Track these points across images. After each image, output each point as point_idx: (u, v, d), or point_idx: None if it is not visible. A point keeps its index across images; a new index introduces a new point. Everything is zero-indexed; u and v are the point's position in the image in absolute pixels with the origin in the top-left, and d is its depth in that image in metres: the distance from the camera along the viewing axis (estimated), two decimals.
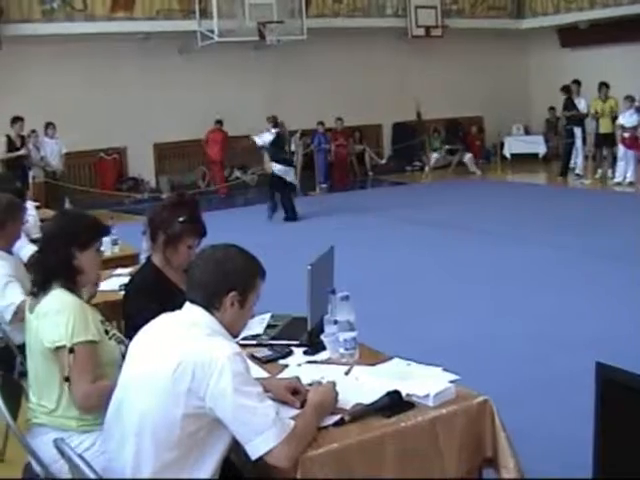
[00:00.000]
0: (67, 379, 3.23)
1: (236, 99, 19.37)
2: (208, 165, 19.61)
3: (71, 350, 3.25)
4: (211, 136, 19.20)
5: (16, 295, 4.80)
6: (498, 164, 20.96)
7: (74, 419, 3.39)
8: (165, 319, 3.03)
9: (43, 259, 3.52)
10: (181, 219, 4.09)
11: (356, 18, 21.12)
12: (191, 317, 2.91)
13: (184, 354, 2.74)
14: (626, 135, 16.86)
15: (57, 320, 3.34)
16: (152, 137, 19.08)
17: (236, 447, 2.85)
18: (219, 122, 19.14)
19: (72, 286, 3.48)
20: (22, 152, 15.27)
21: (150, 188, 18.97)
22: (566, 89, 18.68)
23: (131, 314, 3.88)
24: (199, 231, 4.18)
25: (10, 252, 5.30)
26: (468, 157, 21.19)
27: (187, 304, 2.97)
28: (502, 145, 22.03)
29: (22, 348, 4.95)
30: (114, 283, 5.37)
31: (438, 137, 22.57)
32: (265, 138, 15.02)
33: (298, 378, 3.27)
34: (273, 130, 15.00)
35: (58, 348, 3.31)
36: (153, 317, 3.06)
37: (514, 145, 22.28)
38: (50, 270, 3.46)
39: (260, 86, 20.18)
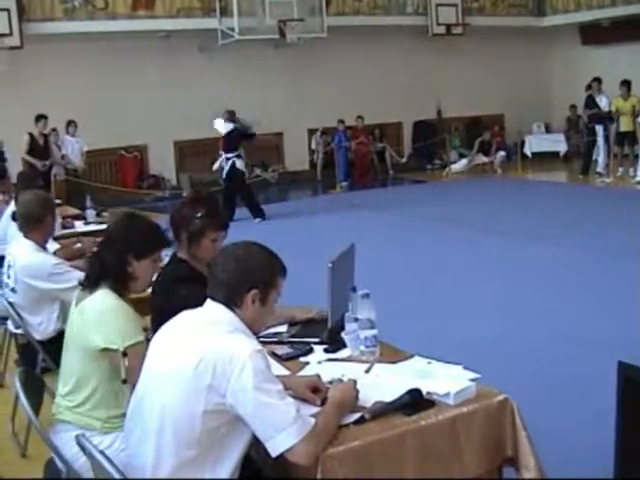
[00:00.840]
0: (125, 381, 3.27)
1: (257, 97, 19.39)
2: None
3: (124, 354, 3.30)
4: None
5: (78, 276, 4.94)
6: (519, 162, 20.86)
7: (99, 420, 3.43)
8: (186, 316, 3.04)
9: (102, 256, 3.57)
10: (199, 214, 4.12)
11: (376, 16, 21.10)
12: (212, 314, 2.92)
13: (205, 351, 2.75)
14: None
15: (106, 323, 3.40)
16: (173, 135, 19.15)
17: (256, 444, 2.85)
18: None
19: (121, 289, 3.52)
20: (38, 165, 15.15)
21: (171, 186, 19.04)
22: (589, 87, 18.62)
23: (168, 307, 3.86)
24: (219, 224, 4.20)
25: (44, 248, 5.41)
26: (500, 155, 21.05)
27: (208, 301, 2.98)
28: (523, 143, 21.93)
29: (44, 344, 5.06)
30: None
31: (458, 135, 22.55)
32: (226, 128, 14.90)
33: (319, 376, 3.28)
34: (231, 125, 14.85)
35: (106, 349, 3.36)
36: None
37: (535, 143, 22.21)
38: (105, 268, 3.51)
39: (280, 84, 20.22)
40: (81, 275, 4.87)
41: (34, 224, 5.28)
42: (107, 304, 3.45)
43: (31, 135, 15.38)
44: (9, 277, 5.35)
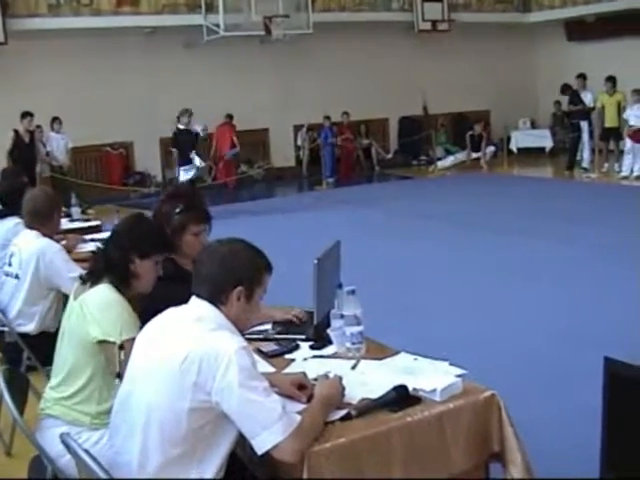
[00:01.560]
0: (119, 375, 3.24)
1: (243, 93, 19.41)
2: (219, 159, 19.53)
3: (121, 347, 3.30)
4: (221, 129, 19.18)
5: (80, 270, 5.03)
6: (505, 158, 20.92)
7: (88, 415, 3.44)
8: (171, 313, 3.03)
9: (107, 252, 3.62)
10: (178, 209, 4.11)
11: (362, 12, 21.07)
12: (197, 311, 2.91)
13: (190, 348, 2.74)
14: (633, 128, 16.83)
15: (105, 315, 3.42)
16: (158, 131, 19.05)
17: (242, 442, 2.84)
18: (229, 116, 19.14)
19: (123, 286, 3.55)
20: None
21: (157, 182, 18.97)
22: (564, 88, 18.75)
23: (152, 305, 3.85)
24: (200, 217, 4.19)
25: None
26: (490, 150, 21.10)
27: (193, 298, 2.97)
28: (509, 139, 21.99)
29: (29, 341, 5.07)
30: None
31: (444, 131, 22.59)
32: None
33: (304, 373, 3.27)
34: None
35: (103, 342, 3.38)
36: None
37: (521, 139, 22.29)
38: (109, 264, 3.55)
39: (266, 80, 20.20)
40: (80, 269, 5.03)
41: (41, 220, 5.41)
42: (108, 297, 3.49)
43: (16, 132, 15.34)
44: (10, 265, 5.40)
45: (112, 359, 3.32)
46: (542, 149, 22.09)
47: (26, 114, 15.35)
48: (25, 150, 15.28)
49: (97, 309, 3.45)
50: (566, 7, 22.00)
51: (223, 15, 18.36)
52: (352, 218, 13.71)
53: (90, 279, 3.57)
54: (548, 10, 22.66)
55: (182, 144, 15.12)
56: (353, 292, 3.62)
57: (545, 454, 3.79)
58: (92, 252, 3.89)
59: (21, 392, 3.52)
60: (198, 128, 15.18)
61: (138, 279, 3.59)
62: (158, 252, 3.65)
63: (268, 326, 4.11)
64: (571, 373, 5.87)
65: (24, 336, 5.12)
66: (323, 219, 13.61)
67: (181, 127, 15.01)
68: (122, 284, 3.55)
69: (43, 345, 5.03)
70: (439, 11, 21.96)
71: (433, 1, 21.84)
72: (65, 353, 3.53)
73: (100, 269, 3.58)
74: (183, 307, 2.99)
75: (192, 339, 2.79)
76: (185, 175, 14.72)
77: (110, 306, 3.46)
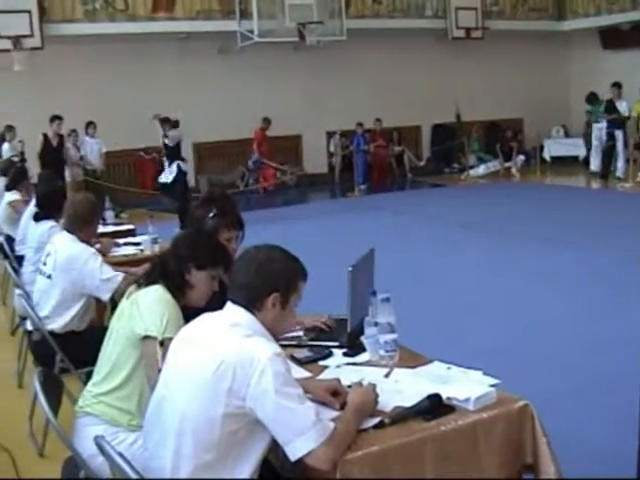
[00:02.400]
0: (159, 371, 3.25)
1: (276, 99, 19.47)
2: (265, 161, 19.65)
3: (161, 343, 3.33)
4: (256, 134, 19.27)
5: (114, 272, 5.27)
6: (537, 167, 20.82)
7: (127, 413, 3.47)
8: (207, 318, 3.04)
9: (164, 259, 3.68)
10: (212, 214, 4.13)
11: (396, 19, 21.08)
12: (233, 317, 2.91)
13: (225, 354, 2.74)
14: None
15: (154, 311, 3.47)
16: (191, 136, 19.11)
17: (274, 447, 2.84)
18: (266, 120, 19.22)
19: (177, 294, 3.59)
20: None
21: (190, 187, 19.03)
22: (590, 97, 18.67)
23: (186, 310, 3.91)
24: (232, 223, 4.21)
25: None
26: (520, 159, 21.05)
27: (229, 304, 2.97)
28: (542, 148, 21.87)
29: (60, 340, 5.12)
30: None
31: (477, 139, 22.51)
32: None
33: (338, 380, 3.26)
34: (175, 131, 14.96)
35: (147, 337, 3.42)
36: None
37: (554, 148, 22.16)
38: (165, 271, 3.61)
39: (299, 87, 20.25)
40: (116, 272, 5.14)
41: (80, 225, 5.50)
42: (160, 296, 3.54)
43: (45, 136, 15.46)
44: (45, 264, 5.48)
45: (152, 355, 3.34)
46: (575, 158, 21.92)
47: (55, 118, 15.47)
48: (53, 154, 15.38)
49: (145, 306, 3.51)
50: (601, 15, 21.86)
51: (257, 21, 18.42)
52: (384, 225, 13.71)
53: (145, 283, 3.62)
54: (583, 18, 22.52)
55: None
56: (387, 300, 3.61)
57: (579, 465, 3.77)
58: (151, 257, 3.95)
59: (55, 394, 3.54)
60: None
61: (192, 289, 3.63)
62: (215, 265, 3.66)
63: (301, 332, 4.11)
64: (606, 383, 5.81)
65: (51, 334, 5.18)
66: (355, 226, 13.60)
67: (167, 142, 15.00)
68: (176, 292, 3.59)
69: (71, 346, 5.10)
70: (473, 18, 21.89)
71: (467, 8, 21.78)
72: (110, 350, 3.57)
73: (156, 275, 3.63)
74: (218, 312, 3.00)
75: (227, 345, 2.79)
76: (163, 179, 14.81)
77: (158, 303, 3.51)
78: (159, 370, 3.18)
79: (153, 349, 3.33)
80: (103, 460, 2.95)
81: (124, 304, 3.63)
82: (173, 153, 14.75)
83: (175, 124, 15.11)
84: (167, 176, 14.75)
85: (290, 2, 18.75)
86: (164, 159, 15.13)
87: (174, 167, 14.62)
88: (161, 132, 14.99)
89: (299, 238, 9.66)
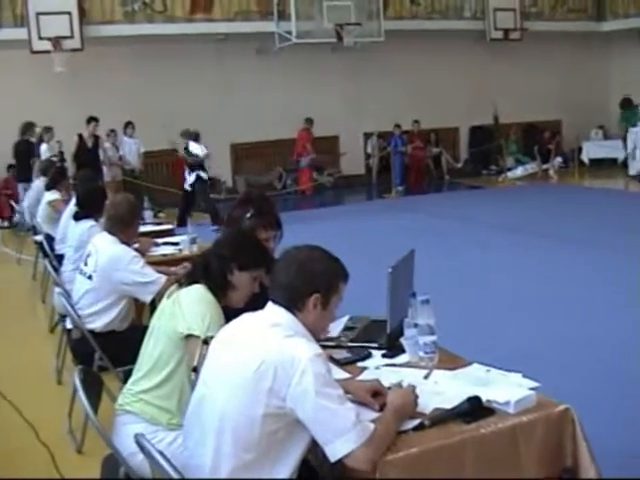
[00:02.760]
0: (195, 369, 3.27)
1: (313, 100, 19.49)
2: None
3: (204, 342, 3.32)
4: (298, 135, 19.28)
5: (156, 275, 5.29)
6: (576, 169, 20.67)
7: (167, 412, 3.48)
8: (248, 318, 3.05)
9: (207, 259, 3.70)
10: (249, 215, 4.15)
11: (434, 20, 21.03)
12: (274, 317, 2.92)
13: (266, 354, 2.75)
14: None
15: (196, 310, 3.49)
16: (229, 137, 19.26)
17: (314, 447, 2.84)
18: (308, 121, 19.24)
19: (218, 294, 3.61)
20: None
21: (227, 188, 19.11)
22: (624, 103, 18.51)
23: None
24: (269, 223, 4.23)
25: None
26: (557, 161, 20.94)
27: (269, 304, 2.98)
28: (580, 150, 21.70)
29: (100, 339, 5.16)
30: None
31: (515, 141, 22.40)
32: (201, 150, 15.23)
33: (378, 381, 3.26)
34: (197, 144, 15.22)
35: (189, 336, 3.44)
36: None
37: (592, 150, 21.95)
38: (207, 270, 3.63)
39: (337, 88, 20.26)
40: (158, 275, 5.19)
41: (121, 226, 5.54)
42: (200, 295, 3.56)
43: (80, 136, 15.59)
44: (86, 264, 5.52)
45: (194, 354, 3.33)
46: (614, 160, 21.71)
47: (91, 119, 15.63)
48: (87, 154, 15.50)
49: (187, 305, 3.52)
50: None
51: (295, 22, 18.46)
52: (422, 226, 13.68)
53: (186, 283, 3.64)
54: (623, 19, 22.31)
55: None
56: (427, 301, 3.60)
57: (619, 470, 3.74)
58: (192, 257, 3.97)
59: (95, 391, 3.56)
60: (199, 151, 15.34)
61: (234, 290, 3.64)
62: (257, 266, 3.68)
63: (339, 333, 4.10)
64: None
65: (91, 333, 5.22)
66: (392, 227, 13.58)
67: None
68: (218, 292, 3.60)
69: (111, 344, 5.14)
70: (511, 20, 21.79)
71: (506, 10, 21.67)
72: (151, 349, 3.59)
73: (198, 275, 3.64)
74: (259, 312, 3.00)
75: (268, 345, 2.79)
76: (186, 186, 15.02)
77: (200, 302, 3.53)
78: (194, 369, 3.20)
79: (195, 347, 3.33)
80: (143, 458, 2.96)
81: (165, 303, 3.65)
82: (195, 164, 15.00)
83: (197, 137, 15.25)
84: (187, 184, 15.01)
85: (328, 3, 18.77)
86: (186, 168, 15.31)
87: (193, 176, 14.93)
88: (182, 144, 15.26)
89: (336, 239, 9.59)
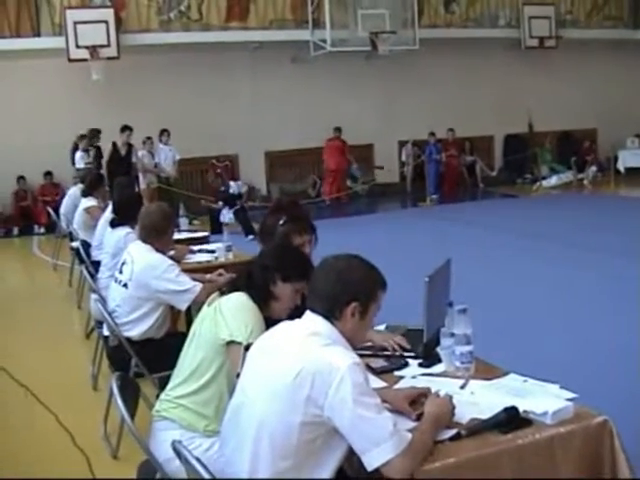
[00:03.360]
0: (239, 376, 3.24)
1: (348, 109, 19.51)
2: (327, 173, 19.62)
3: (247, 348, 3.32)
4: (330, 144, 19.27)
5: (192, 283, 5.30)
6: (612, 178, 20.53)
7: (205, 418, 3.49)
8: (286, 326, 3.06)
9: (251, 268, 3.72)
10: (282, 222, 4.17)
11: (469, 28, 20.98)
12: (312, 326, 2.92)
13: (304, 362, 2.75)
14: None
15: (239, 316, 3.51)
16: (264, 145, 19.33)
17: (350, 456, 2.83)
18: (338, 130, 19.21)
19: (261, 304, 3.62)
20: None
21: (261, 196, 19.17)
22: None
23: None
24: (303, 228, 4.25)
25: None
26: (592, 170, 20.84)
27: (308, 312, 2.98)
28: (616, 158, 21.55)
29: (136, 346, 5.19)
30: None
31: (550, 150, 22.30)
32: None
33: (414, 387, 3.27)
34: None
35: (231, 343, 3.45)
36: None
37: (629, 159, 21.81)
38: (251, 279, 3.65)
39: (372, 96, 20.29)
40: (194, 282, 5.21)
41: (155, 235, 5.54)
42: (244, 303, 3.58)
43: (114, 145, 15.72)
44: (121, 272, 5.55)
45: (237, 361, 3.32)
46: None
47: (125, 128, 15.79)
48: (120, 163, 15.61)
49: (229, 312, 3.54)
50: None
51: (330, 31, 18.47)
52: (457, 235, 13.64)
53: (228, 291, 3.67)
54: None
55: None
56: (464, 311, 3.59)
57: None
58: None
59: (132, 397, 3.58)
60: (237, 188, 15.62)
61: (276, 301, 3.64)
62: (301, 278, 3.66)
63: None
64: None
65: (127, 341, 5.25)
66: (427, 236, 13.58)
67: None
68: (260, 302, 3.61)
69: (147, 351, 5.17)
70: (546, 27, 21.68)
71: (540, 17, 21.59)
72: (192, 355, 3.60)
73: (241, 284, 3.67)
74: (297, 321, 3.01)
75: (306, 353, 2.80)
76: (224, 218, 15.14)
77: (242, 309, 3.55)
78: (238, 375, 3.21)
79: (238, 354, 3.34)
80: (179, 465, 2.97)
81: (206, 310, 3.65)
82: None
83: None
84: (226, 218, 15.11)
85: (363, 12, 18.77)
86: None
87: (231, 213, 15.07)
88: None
89: (371, 247, 9.58)
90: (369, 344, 3.98)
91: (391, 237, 13.90)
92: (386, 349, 3.99)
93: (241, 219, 14.55)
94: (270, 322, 3.45)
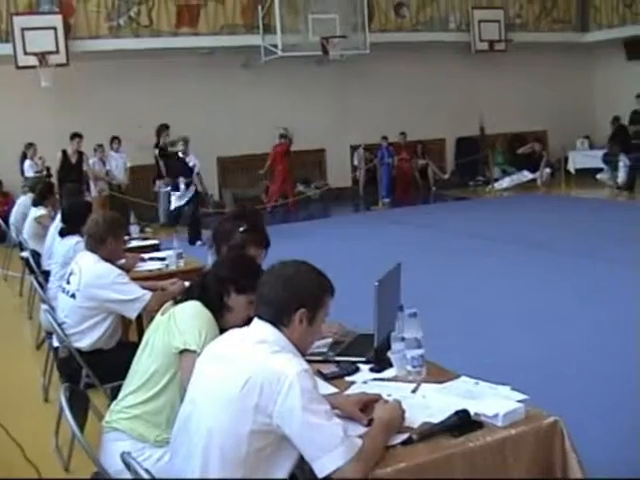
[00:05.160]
0: None
1: (300, 113, 19.47)
2: (275, 178, 19.53)
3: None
4: (277, 149, 19.23)
5: (141, 291, 5.25)
6: (562, 179, 20.73)
7: (156, 428, 3.47)
8: (234, 334, 3.04)
9: (206, 279, 3.70)
10: (242, 229, 4.13)
11: (419, 32, 21.02)
12: (260, 333, 2.91)
13: (252, 370, 2.74)
14: None
15: (191, 324, 3.50)
16: (216, 151, 19.22)
17: (302, 464, 2.82)
18: (283, 136, 19.15)
19: (215, 316, 3.60)
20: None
21: (214, 202, 19.08)
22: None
23: None
24: (261, 240, 4.22)
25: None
26: (546, 172, 21.04)
27: (255, 320, 2.97)
28: (566, 159, 21.76)
29: (86, 357, 5.14)
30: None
31: (502, 152, 22.47)
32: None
33: (365, 393, 3.26)
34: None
35: (185, 351, 3.43)
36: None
37: (578, 159, 21.98)
38: (204, 291, 3.63)
39: (323, 100, 20.30)
40: (143, 291, 5.14)
41: (97, 244, 5.47)
42: (198, 311, 3.56)
43: (64, 152, 15.54)
44: (69, 283, 5.48)
45: (190, 369, 3.25)
46: (600, 169, 21.72)
47: (75, 135, 15.58)
48: (70, 171, 15.43)
49: (183, 320, 3.52)
50: (625, 26, 21.65)
51: (281, 36, 18.43)
52: (409, 238, 13.68)
53: (182, 299, 3.66)
54: (607, 29, 22.31)
55: (174, 170, 15.35)
56: (415, 315, 3.60)
57: None
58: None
59: (82, 409, 3.54)
60: (194, 163, 15.32)
61: (230, 312, 3.62)
62: (254, 290, 3.64)
63: (326, 348, 4.08)
64: (637, 398, 5.73)
65: (78, 352, 5.19)
66: (380, 239, 13.57)
67: (180, 155, 15.07)
68: (214, 313, 3.59)
69: (98, 362, 5.12)
70: (496, 31, 21.81)
71: (490, 21, 21.71)
72: (144, 364, 3.57)
73: (194, 294, 3.65)
74: (245, 329, 2.99)
75: (254, 361, 2.78)
76: (178, 202, 14.88)
77: (197, 317, 3.53)
78: None
79: (191, 362, 3.30)
80: (129, 477, 2.94)
81: (160, 319, 3.64)
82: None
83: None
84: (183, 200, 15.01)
85: (313, 17, 18.78)
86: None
87: (191, 190, 15.05)
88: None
89: (322, 252, 9.63)
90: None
91: (342, 241, 13.90)
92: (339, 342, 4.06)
93: (191, 223, 14.44)
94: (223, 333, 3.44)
